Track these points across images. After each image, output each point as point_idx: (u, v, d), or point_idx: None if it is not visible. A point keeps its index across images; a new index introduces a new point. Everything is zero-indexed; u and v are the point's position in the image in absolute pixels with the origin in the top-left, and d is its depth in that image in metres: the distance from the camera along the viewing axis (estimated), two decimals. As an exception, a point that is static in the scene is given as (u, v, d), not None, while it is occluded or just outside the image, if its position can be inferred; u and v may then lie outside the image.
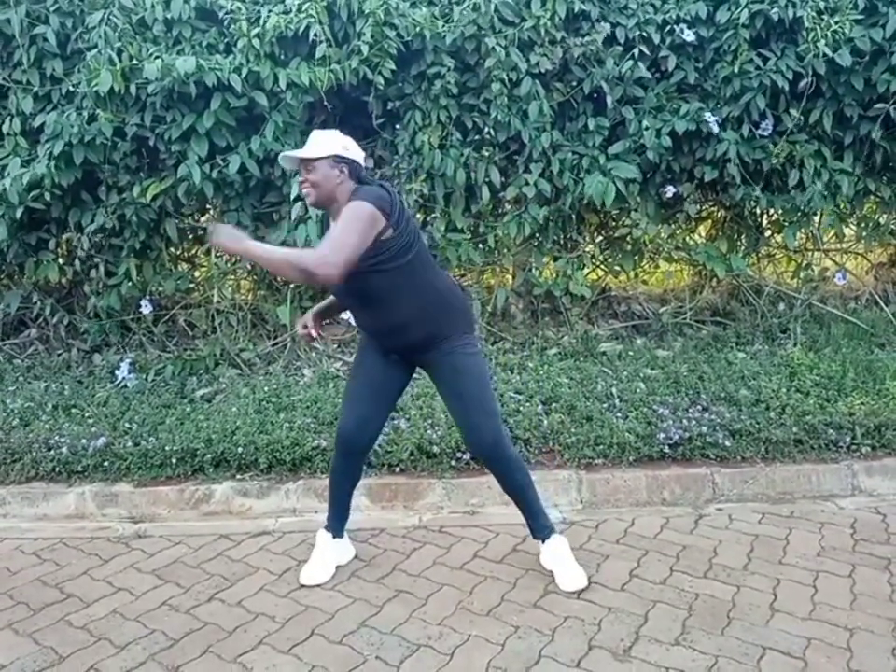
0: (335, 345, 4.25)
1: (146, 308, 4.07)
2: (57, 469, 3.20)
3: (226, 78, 3.47)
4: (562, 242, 4.22)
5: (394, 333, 2.28)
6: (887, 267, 4.74)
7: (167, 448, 3.19)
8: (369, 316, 2.32)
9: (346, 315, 4.02)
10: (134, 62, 3.51)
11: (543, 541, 2.45)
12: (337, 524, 2.56)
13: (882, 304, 4.39)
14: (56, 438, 3.29)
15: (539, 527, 2.45)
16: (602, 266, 4.42)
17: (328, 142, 2.22)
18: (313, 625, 2.23)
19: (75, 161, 3.61)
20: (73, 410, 3.61)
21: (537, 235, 4.04)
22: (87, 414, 3.53)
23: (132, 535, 2.90)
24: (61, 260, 4.18)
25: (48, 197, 3.67)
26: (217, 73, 3.45)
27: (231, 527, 2.93)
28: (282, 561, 2.63)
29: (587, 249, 4.32)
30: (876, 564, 2.48)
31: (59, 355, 4.28)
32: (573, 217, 4.07)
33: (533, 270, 4.14)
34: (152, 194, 3.72)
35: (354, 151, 2.24)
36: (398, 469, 3.13)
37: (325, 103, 3.65)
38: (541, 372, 3.69)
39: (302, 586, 2.45)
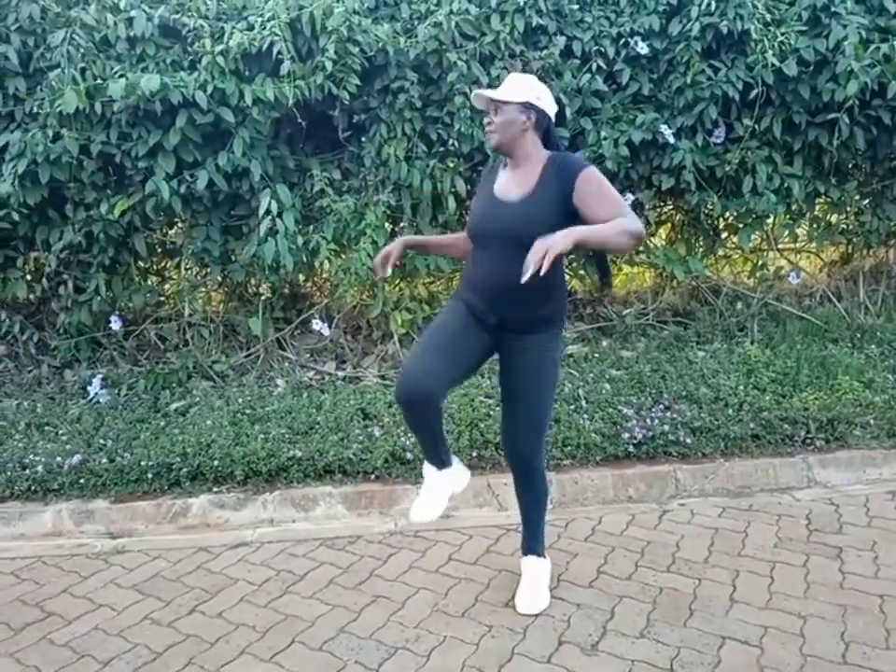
0: (308, 354, 4.31)
1: (115, 324, 4.07)
2: (33, 487, 3.21)
3: (191, 95, 3.50)
4: (528, 248, 4.30)
5: (514, 298, 2.15)
6: (839, 265, 4.93)
7: (143, 463, 3.22)
8: (503, 269, 2.11)
9: (318, 326, 4.11)
10: (99, 80, 3.52)
11: (527, 556, 2.45)
12: (437, 457, 2.31)
13: (835, 301, 4.57)
14: (31, 456, 3.30)
15: (531, 547, 2.45)
16: (567, 270, 4.53)
17: (522, 87, 2.20)
18: (293, 633, 2.29)
19: (41, 180, 3.61)
20: (46, 427, 3.62)
21: (503, 243, 4.12)
22: (60, 432, 3.55)
23: (110, 551, 2.92)
24: (29, 277, 4.17)
25: (15, 216, 3.67)
26: (181, 90, 3.48)
27: (210, 540, 2.97)
28: (261, 571, 2.69)
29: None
30: (829, 553, 2.62)
31: (29, 371, 4.27)
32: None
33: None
34: (120, 210, 3.74)
35: (545, 102, 2.22)
36: (373, 476, 3.20)
37: (289, 119, 3.70)
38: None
39: (284, 594, 2.51)
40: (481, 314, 2.24)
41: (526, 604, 2.36)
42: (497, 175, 2.31)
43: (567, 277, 2.41)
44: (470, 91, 3.67)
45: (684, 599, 2.38)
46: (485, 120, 2.25)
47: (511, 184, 2.24)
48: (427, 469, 2.36)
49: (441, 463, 2.33)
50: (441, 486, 2.35)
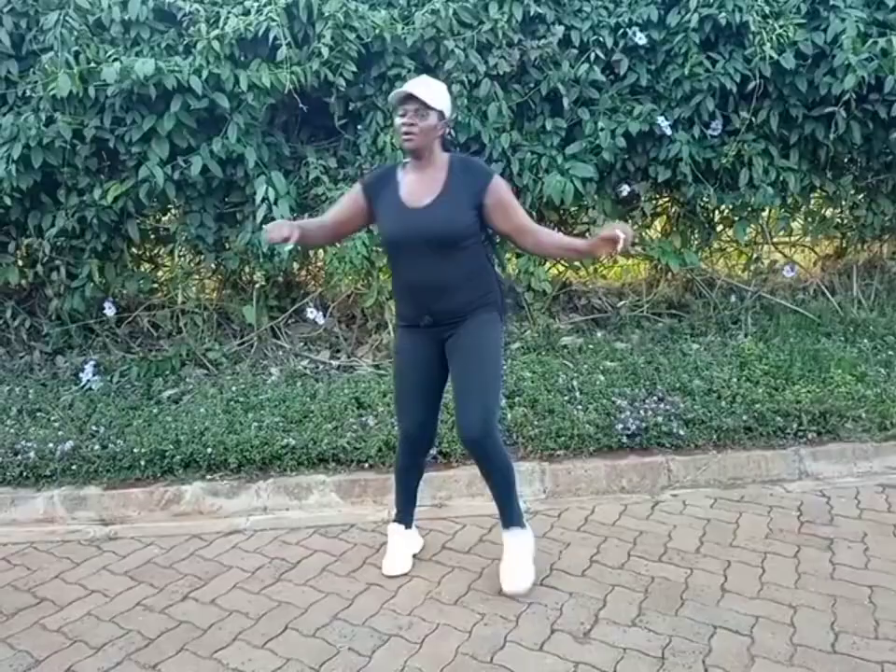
0: (301, 343, 4.30)
1: (109, 310, 4.05)
2: (25, 473, 3.20)
3: (186, 80, 3.47)
4: (523, 239, 4.30)
5: (443, 292, 2.29)
6: (833, 259, 4.94)
7: (135, 450, 3.21)
8: (428, 269, 2.27)
9: (312, 315, 4.10)
10: (92, 64, 3.49)
11: (507, 529, 2.46)
12: (408, 515, 2.63)
13: (828, 295, 4.58)
14: (22, 443, 3.28)
15: (509, 520, 2.46)
16: (562, 261, 4.53)
17: (443, 95, 2.27)
18: (286, 620, 2.29)
19: (33, 164, 3.59)
20: (38, 413, 3.60)
21: (498, 233, 4.12)
22: (52, 418, 3.53)
23: (103, 537, 2.92)
24: (21, 263, 4.14)
25: (7, 201, 3.64)
26: (176, 75, 3.45)
27: (203, 527, 2.96)
28: (254, 559, 2.69)
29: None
30: (820, 544, 2.64)
31: (21, 357, 4.25)
32: (533, 214, 4.16)
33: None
34: (113, 196, 3.72)
35: (450, 110, 2.34)
36: (366, 465, 3.20)
37: (285, 105, 3.68)
38: (505, 367, 3.79)
39: (278, 581, 2.51)
40: (418, 319, 2.36)
41: (511, 582, 2.35)
42: (398, 181, 2.31)
43: (496, 266, 2.53)
44: (468, 79, 3.67)
45: (676, 589, 2.39)
46: (405, 120, 2.21)
47: (418, 188, 2.28)
48: (393, 529, 2.62)
49: (408, 521, 2.62)
50: (405, 547, 2.61)
